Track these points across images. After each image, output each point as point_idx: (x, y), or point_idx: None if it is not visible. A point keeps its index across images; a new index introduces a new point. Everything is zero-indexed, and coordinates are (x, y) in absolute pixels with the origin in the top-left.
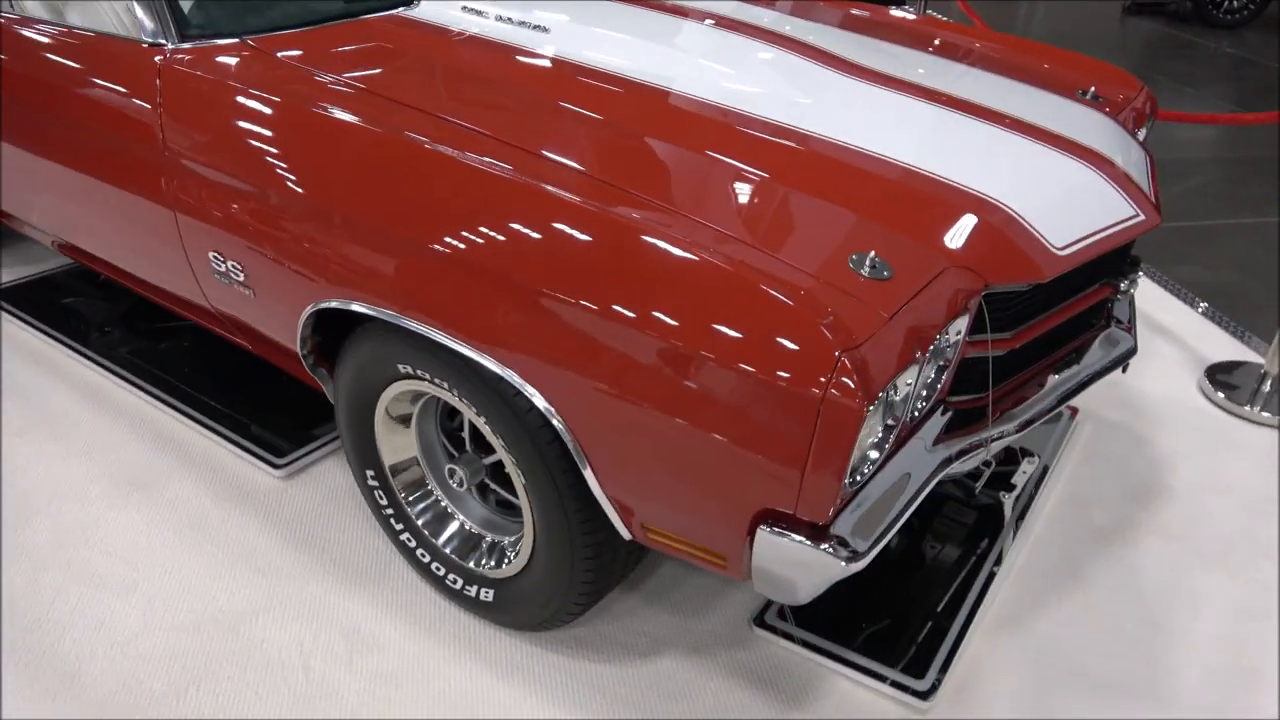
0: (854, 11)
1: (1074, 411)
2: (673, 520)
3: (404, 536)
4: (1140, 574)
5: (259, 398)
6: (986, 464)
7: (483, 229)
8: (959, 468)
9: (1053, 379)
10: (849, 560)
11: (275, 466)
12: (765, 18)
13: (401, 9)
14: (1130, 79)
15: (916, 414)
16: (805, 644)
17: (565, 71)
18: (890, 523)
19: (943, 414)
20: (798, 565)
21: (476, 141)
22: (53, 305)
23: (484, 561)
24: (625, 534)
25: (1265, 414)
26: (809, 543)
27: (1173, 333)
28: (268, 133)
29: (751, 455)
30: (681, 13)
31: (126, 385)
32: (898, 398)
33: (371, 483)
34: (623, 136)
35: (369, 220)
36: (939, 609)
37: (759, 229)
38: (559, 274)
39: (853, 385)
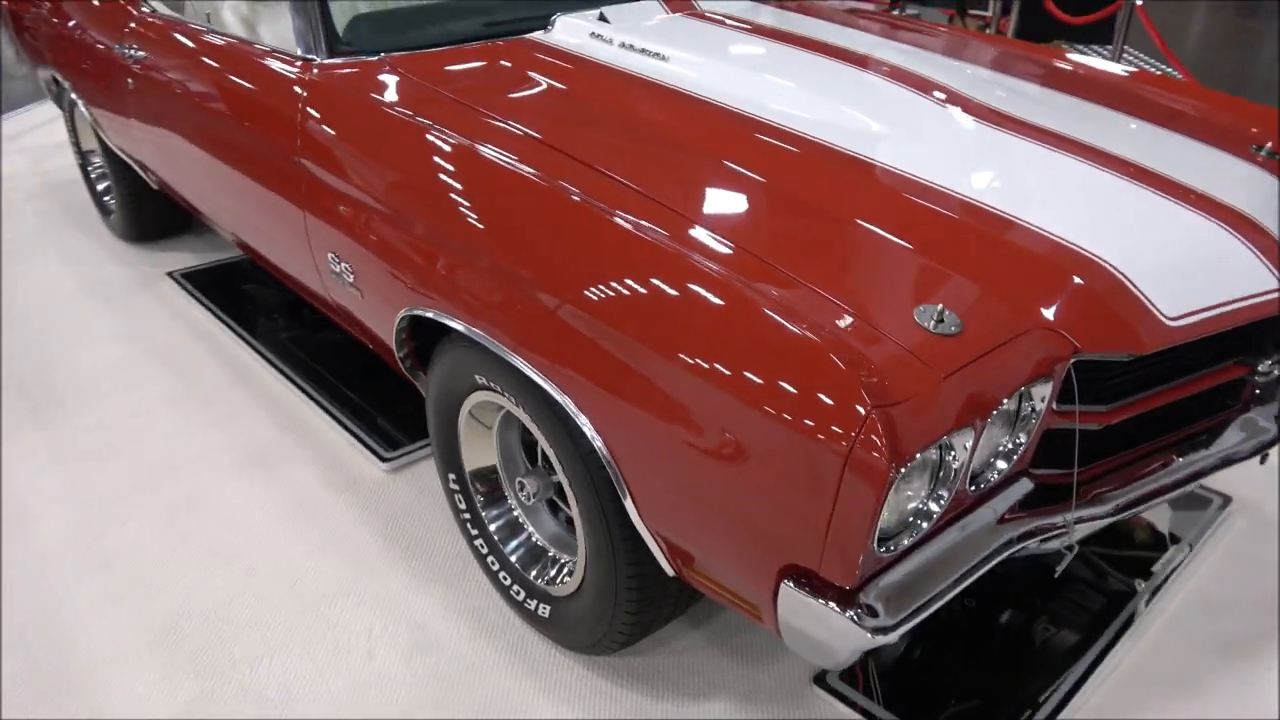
0: (1036, 59)
1: (1226, 500)
2: (710, 562)
3: (478, 542)
4: (1266, 698)
5: (386, 392)
6: (1069, 548)
7: (601, 285)
8: (1038, 548)
9: (1176, 461)
10: (875, 633)
11: (383, 459)
12: (917, 59)
13: (538, 33)
14: None
15: (986, 484)
16: (866, 713)
17: (704, 113)
18: (931, 599)
19: (1023, 486)
20: (823, 627)
21: (627, 199)
22: (229, 290)
23: (545, 573)
24: (668, 569)
25: None
26: (834, 607)
27: None
28: (398, 153)
29: (780, 507)
30: (814, 48)
31: (271, 368)
32: (954, 464)
33: (453, 486)
34: (756, 190)
35: (473, 243)
36: (1039, 700)
37: (844, 283)
38: (643, 323)
39: (880, 444)
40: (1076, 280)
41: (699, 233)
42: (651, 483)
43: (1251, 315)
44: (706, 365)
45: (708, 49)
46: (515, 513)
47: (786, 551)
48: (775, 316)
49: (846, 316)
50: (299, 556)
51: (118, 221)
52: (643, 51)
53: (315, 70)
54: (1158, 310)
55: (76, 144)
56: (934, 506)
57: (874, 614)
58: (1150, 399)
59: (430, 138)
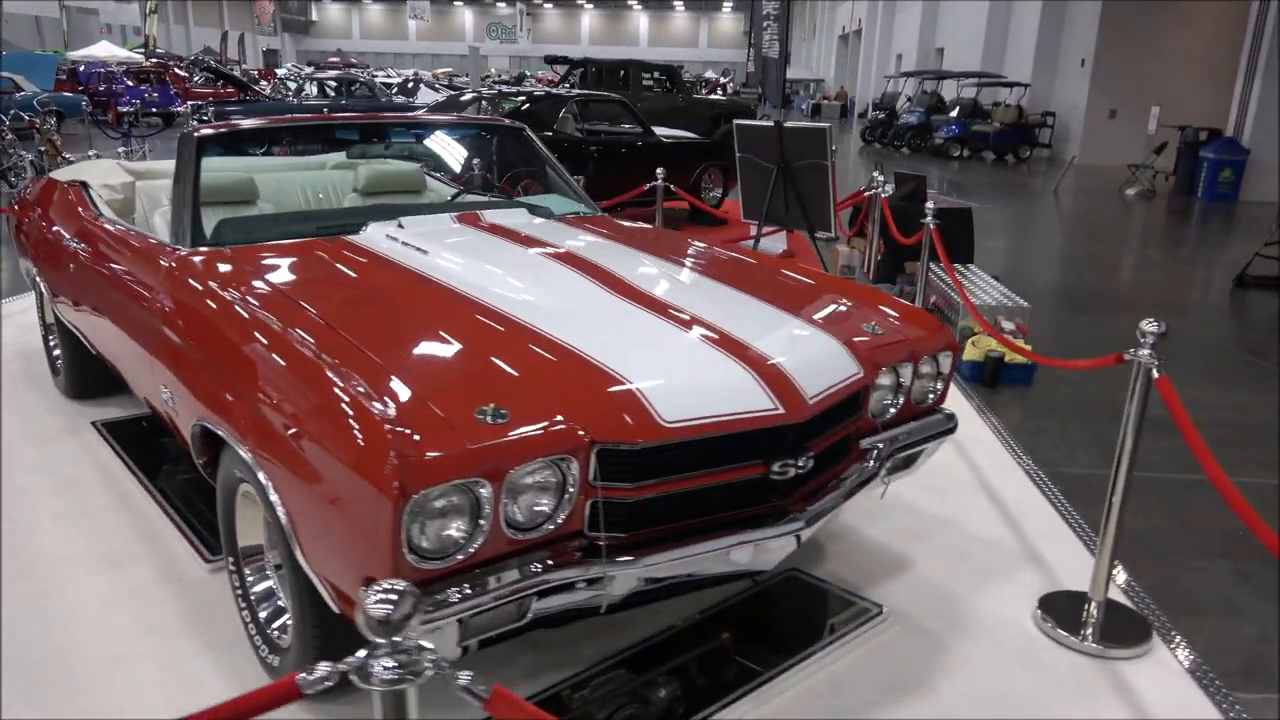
0: (707, 253)
1: (879, 608)
2: (343, 589)
3: (244, 613)
4: None
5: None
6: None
7: (292, 401)
8: (587, 595)
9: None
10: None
11: (206, 561)
12: (574, 240)
13: (352, 235)
14: (931, 323)
15: (540, 533)
16: None
17: (425, 286)
18: (469, 607)
19: (575, 542)
20: None
21: (332, 343)
22: (138, 437)
23: (275, 630)
24: (333, 606)
25: (1087, 644)
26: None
27: (1047, 562)
28: (199, 314)
29: (355, 532)
30: (525, 242)
31: (147, 494)
32: (483, 509)
33: (231, 568)
34: (426, 333)
35: (231, 377)
36: None
37: (443, 389)
38: (307, 422)
39: (395, 482)
40: (601, 389)
41: (362, 357)
42: (307, 532)
43: (742, 426)
44: (328, 439)
45: (457, 246)
46: (270, 582)
47: (361, 564)
48: (370, 407)
49: (429, 409)
50: (120, 625)
51: (64, 380)
52: (415, 248)
53: (176, 257)
54: (657, 415)
55: (42, 319)
56: (474, 543)
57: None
58: (674, 483)
59: (224, 306)
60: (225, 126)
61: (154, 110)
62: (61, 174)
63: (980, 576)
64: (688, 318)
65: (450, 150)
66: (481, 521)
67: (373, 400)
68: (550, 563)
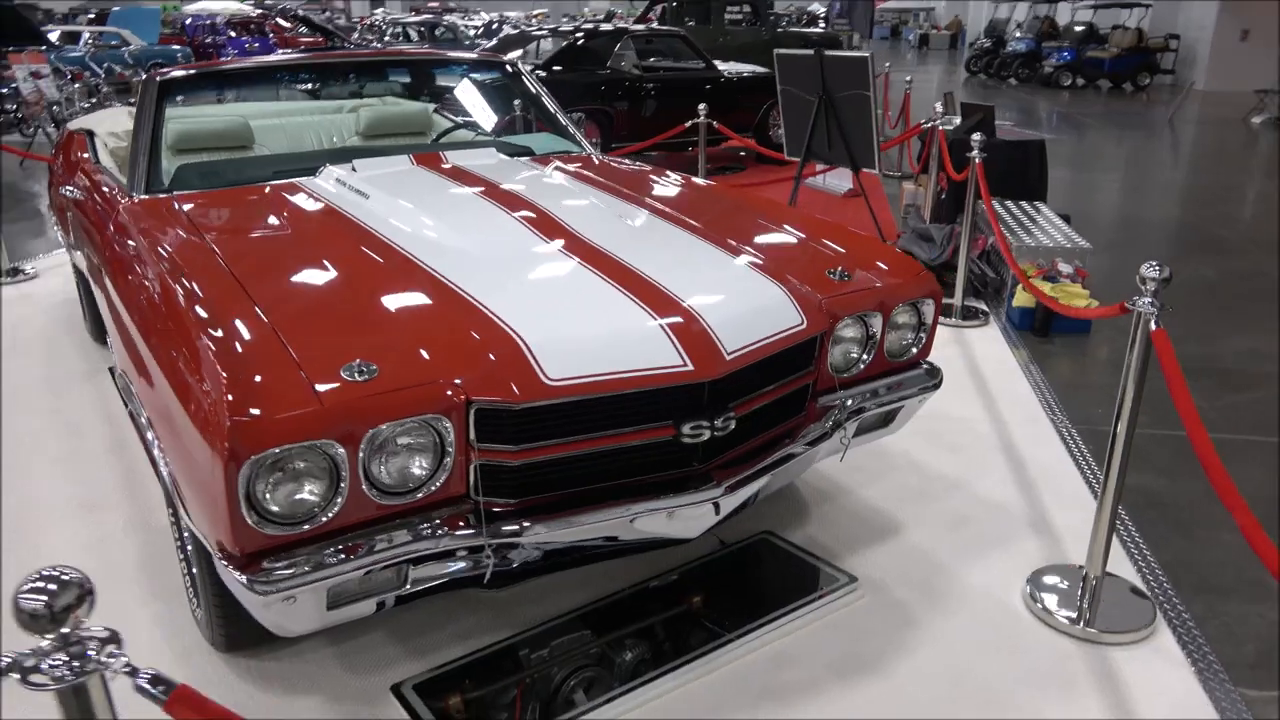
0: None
1: (852, 579)
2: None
3: (182, 565)
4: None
5: None
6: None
7: (170, 360)
8: (474, 564)
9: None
10: (259, 592)
11: None
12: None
13: (306, 178)
14: (911, 269)
15: (412, 498)
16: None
17: (349, 230)
18: (330, 572)
19: (461, 506)
20: (240, 592)
21: (224, 293)
22: None
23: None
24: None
25: (1078, 625)
26: (235, 572)
27: (1056, 531)
28: (129, 254)
29: (207, 496)
30: (474, 184)
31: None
32: (343, 471)
33: (171, 519)
34: (312, 268)
35: (131, 329)
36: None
37: (312, 338)
38: (169, 364)
39: (227, 445)
40: (486, 345)
41: (249, 311)
42: (185, 491)
43: (642, 383)
44: (184, 398)
45: (400, 190)
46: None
47: (214, 530)
48: (220, 367)
49: (290, 367)
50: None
51: (91, 325)
52: (358, 191)
53: (127, 202)
54: (542, 373)
55: (74, 264)
56: (333, 508)
57: (259, 575)
58: (565, 445)
59: (141, 254)
60: (193, 68)
61: None
62: (75, 123)
63: (975, 546)
64: (613, 265)
65: (446, 89)
66: (341, 485)
67: (232, 358)
68: (440, 527)
